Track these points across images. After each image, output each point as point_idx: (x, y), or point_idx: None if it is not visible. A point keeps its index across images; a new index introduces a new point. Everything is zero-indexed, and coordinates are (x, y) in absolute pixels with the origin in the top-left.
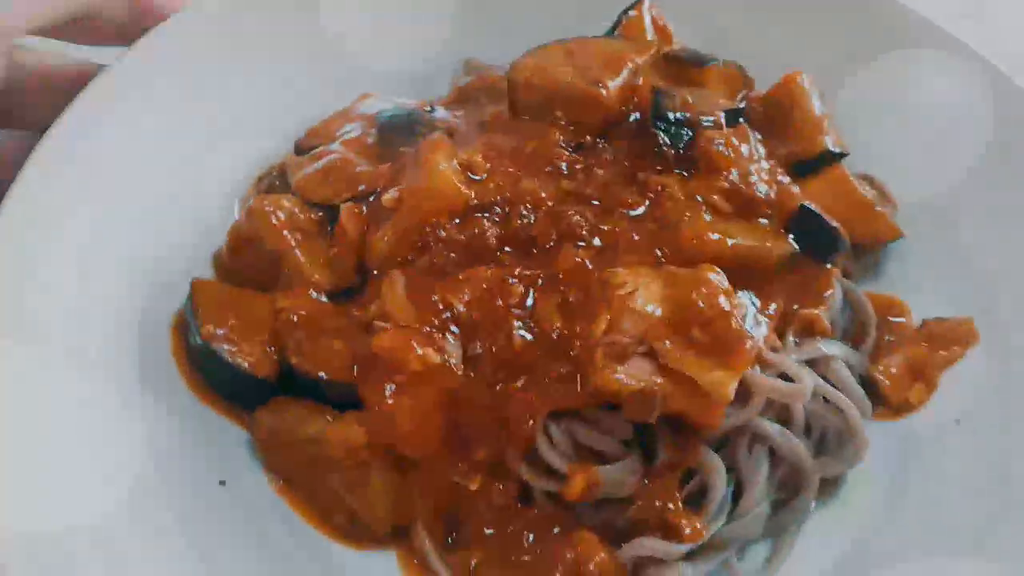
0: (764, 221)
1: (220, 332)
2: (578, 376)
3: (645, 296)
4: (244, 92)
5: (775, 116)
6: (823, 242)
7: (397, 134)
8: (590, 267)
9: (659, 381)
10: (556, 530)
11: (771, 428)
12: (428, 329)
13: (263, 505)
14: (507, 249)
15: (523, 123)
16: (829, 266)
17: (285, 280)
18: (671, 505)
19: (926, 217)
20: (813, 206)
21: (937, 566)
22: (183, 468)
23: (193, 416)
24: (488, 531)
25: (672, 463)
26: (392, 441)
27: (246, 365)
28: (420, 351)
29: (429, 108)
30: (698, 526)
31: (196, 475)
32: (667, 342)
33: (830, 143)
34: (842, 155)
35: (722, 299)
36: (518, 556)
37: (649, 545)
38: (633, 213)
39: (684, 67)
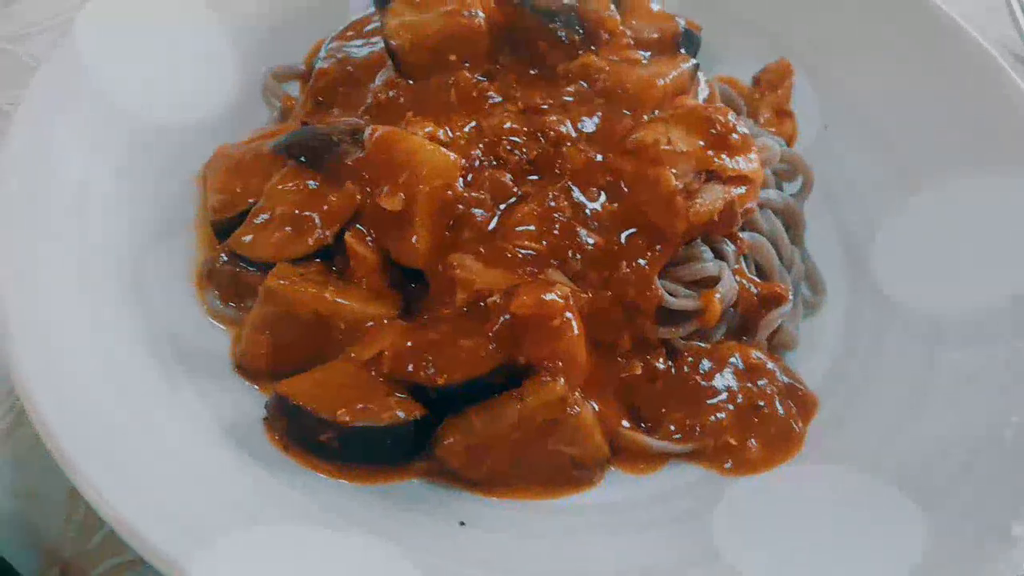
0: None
1: (347, 413)
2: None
3: (676, 138)
4: None
5: None
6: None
7: (314, 155)
8: (596, 157)
9: (733, 192)
10: (706, 365)
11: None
12: (529, 278)
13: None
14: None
15: (427, 82)
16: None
17: (338, 338)
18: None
19: None
20: (684, 24)
21: None
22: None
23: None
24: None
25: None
26: (578, 373)
27: (402, 415)
28: (550, 296)
29: (305, 123)
30: None
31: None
32: (717, 159)
33: None
34: None
35: (730, 116)
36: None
37: None
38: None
39: None
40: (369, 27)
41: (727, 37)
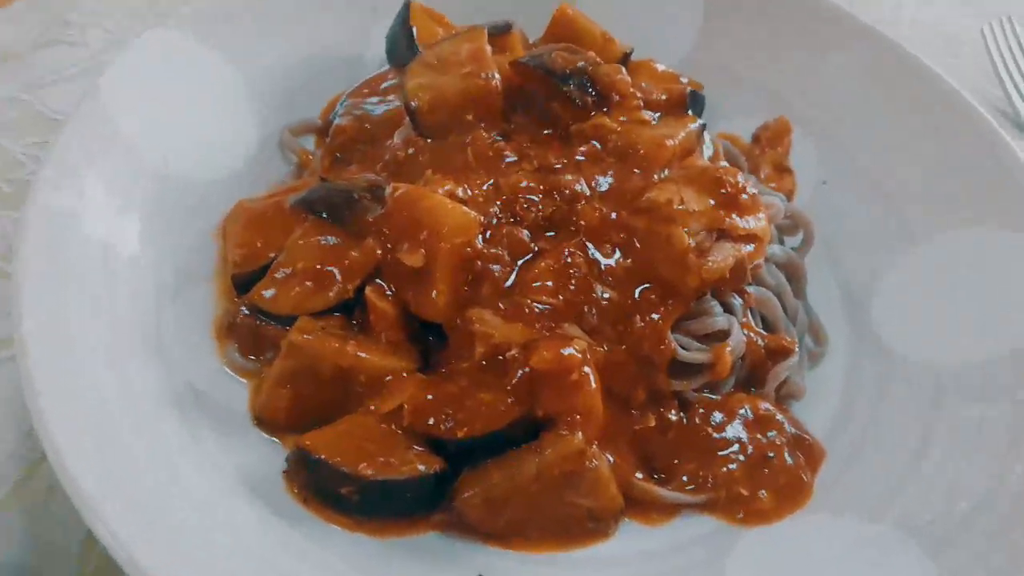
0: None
1: (368, 467)
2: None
3: (688, 198)
4: None
5: None
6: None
7: (335, 211)
8: (610, 214)
9: (743, 249)
10: (716, 416)
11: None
12: (547, 332)
13: None
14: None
15: (445, 141)
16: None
17: (358, 391)
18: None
19: None
20: (689, 86)
21: None
22: None
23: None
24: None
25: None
26: (595, 427)
27: (422, 468)
28: (568, 350)
29: (324, 179)
30: None
31: None
32: (728, 219)
33: None
34: None
35: (740, 176)
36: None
37: None
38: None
39: (495, 39)
40: (384, 84)
41: (727, 95)
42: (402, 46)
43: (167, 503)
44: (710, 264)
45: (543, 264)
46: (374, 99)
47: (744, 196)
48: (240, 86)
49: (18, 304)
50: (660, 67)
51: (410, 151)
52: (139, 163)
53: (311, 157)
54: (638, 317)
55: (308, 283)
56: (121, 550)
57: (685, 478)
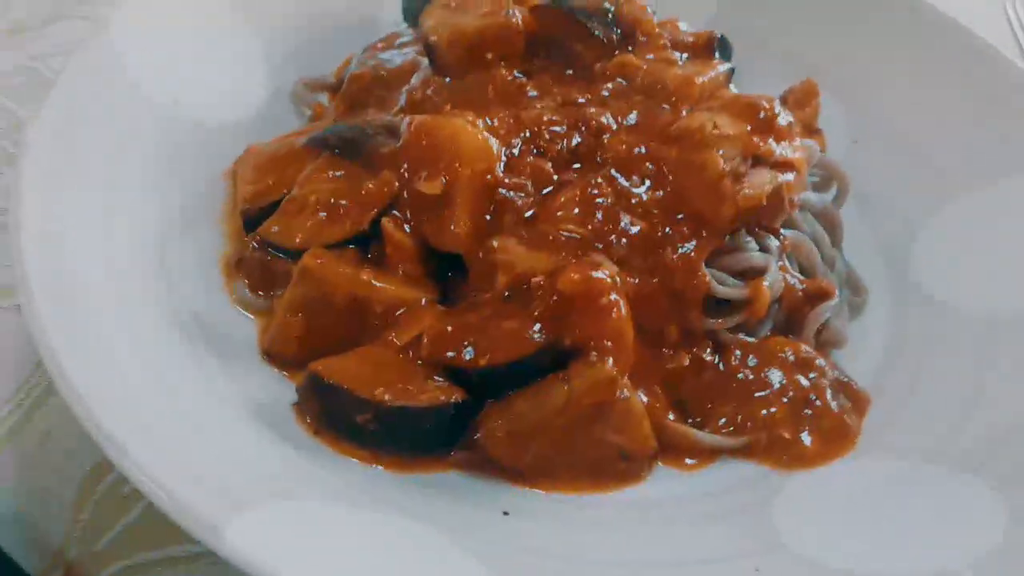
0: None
1: (385, 392)
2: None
3: (722, 124)
4: None
5: None
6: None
7: (350, 146)
8: (640, 147)
9: (780, 178)
10: (753, 359)
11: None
12: (573, 260)
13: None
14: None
15: (465, 80)
16: None
17: (374, 323)
18: None
19: None
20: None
21: None
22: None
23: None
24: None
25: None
26: (627, 356)
27: (443, 397)
28: (598, 273)
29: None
30: None
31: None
32: (763, 143)
33: None
34: None
35: (776, 103)
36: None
37: None
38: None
39: None
40: (400, 40)
41: (751, 59)
42: (418, 2)
43: (178, 427)
44: (746, 190)
45: (568, 194)
46: (390, 51)
47: (780, 120)
48: (252, 39)
49: (18, 243)
50: (683, 26)
51: (428, 91)
52: (146, 101)
53: (325, 109)
54: (670, 249)
55: (321, 215)
56: (137, 470)
57: (722, 421)
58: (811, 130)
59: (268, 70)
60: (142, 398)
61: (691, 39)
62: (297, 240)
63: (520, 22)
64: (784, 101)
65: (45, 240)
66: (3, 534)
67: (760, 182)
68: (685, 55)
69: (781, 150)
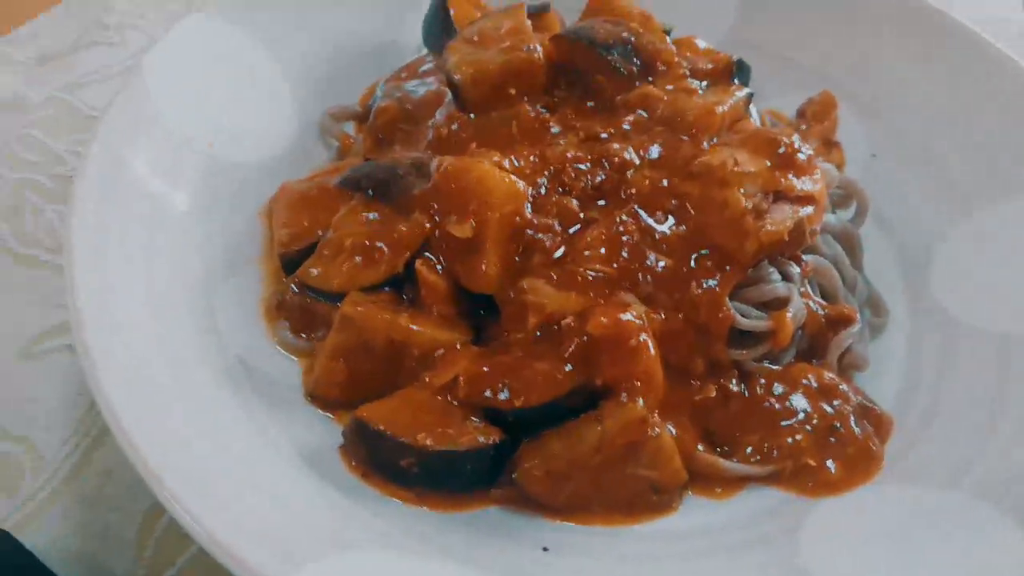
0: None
1: (427, 437)
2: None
3: (742, 160)
4: None
5: None
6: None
7: (381, 187)
8: (662, 181)
9: (801, 211)
10: (778, 387)
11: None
12: (601, 300)
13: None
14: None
15: (488, 116)
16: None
17: (411, 365)
18: None
19: None
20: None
21: None
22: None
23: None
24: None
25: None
26: (656, 394)
27: (481, 439)
28: (627, 316)
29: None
30: None
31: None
32: (784, 179)
33: None
34: None
35: (795, 137)
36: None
37: None
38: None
39: (534, 18)
40: (423, 68)
41: (768, 73)
42: (439, 29)
43: (231, 478)
44: (768, 226)
45: (594, 232)
46: (414, 82)
47: (800, 156)
48: (278, 73)
49: (73, 292)
50: (702, 44)
51: (453, 127)
52: (183, 143)
53: (352, 141)
54: (694, 284)
55: (357, 258)
56: (197, 527)
57: (749, 450)
58: (830, 143)
59: (295, 103)
60: (198, 453)
61: (709, 66)
62: (335, 284)
63: (541, 56)
64: (802, 114)
65: (97, 291)
66: (69, 572)
67: (781, 217)
68: (705, 82)
69: (801, 184)
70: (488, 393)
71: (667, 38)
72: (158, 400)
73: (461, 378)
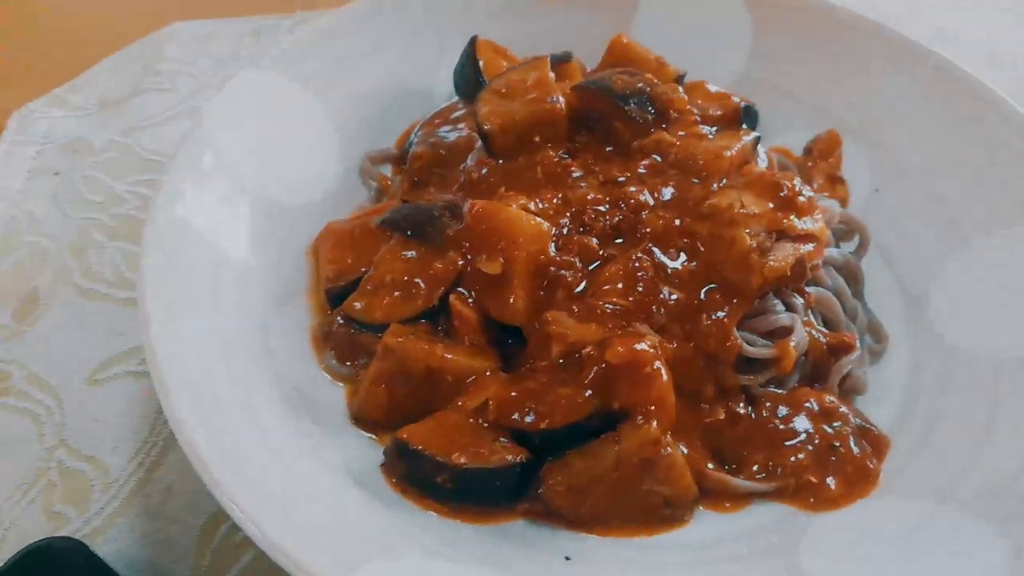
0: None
1: (460, 456)
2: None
3: (748, 202)
4: None
5: None
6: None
7: (418, 228)
8: (674, 221)
9: (802, 248)
10: (782, 410)
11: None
12: (619, 331)
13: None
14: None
15: (515, 161)
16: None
17: (446, 391)
18: None
19: None
20: (744, 102)
21: None
22: None
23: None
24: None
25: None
26: (669, 416)
27: (509, 458)
28: (642, 345)
29: (405, 201)
30: None
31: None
32: (786, 220)
33: None
34: None
35: (796, 180)
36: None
37: None
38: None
39: (557, 67)
40: (455, 114)
41: (777, 112)
42: (470, 78)
43: (287, 490)
44: (771, 263)
45: (612, 268)
46: (446, 128)
47: (801, 198)
48: (324, 120)
49: (146, 323)
50: (713, 88)
51: (483, 171)
52: (241, 187)
53: (390, 182)
54: (704, 315)
55: (397, 293)
56: (259, 533)
57: (755, 467)
58: (834, 179)
59: (339, 147)
60: (261, 468)
61: (719, 112)
62: (377, 316)
63: (563, 106)
64: (809, 151)
65: (166, 324)
66: None
67: (784, 254)
68: (715, 127)
69: (802, 224)
70: (516, 416)
71: (679, 88)
72: (223, 423)
73: (491, 402)
